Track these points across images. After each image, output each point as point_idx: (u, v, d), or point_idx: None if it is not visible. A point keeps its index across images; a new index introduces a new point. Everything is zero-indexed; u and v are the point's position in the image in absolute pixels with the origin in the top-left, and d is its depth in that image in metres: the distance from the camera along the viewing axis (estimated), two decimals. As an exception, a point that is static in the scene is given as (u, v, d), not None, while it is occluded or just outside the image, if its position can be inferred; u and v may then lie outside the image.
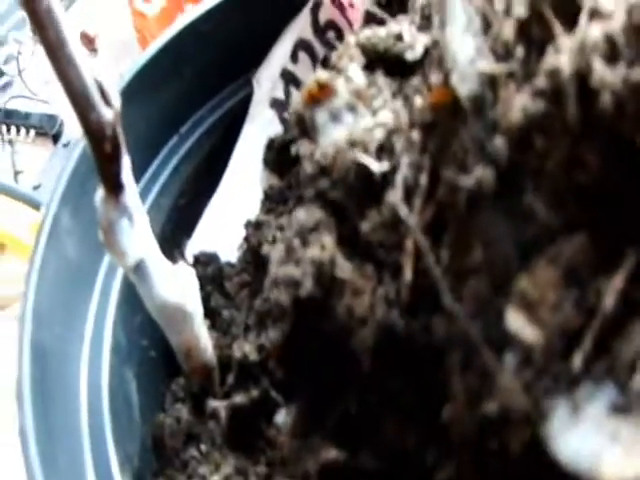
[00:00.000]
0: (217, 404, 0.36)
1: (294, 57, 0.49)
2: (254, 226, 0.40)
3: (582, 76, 0.21)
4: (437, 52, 0.23)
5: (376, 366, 0.25)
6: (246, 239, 0.42)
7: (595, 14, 0.22)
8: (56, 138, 0.87)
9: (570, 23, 0.23)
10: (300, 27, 0.49)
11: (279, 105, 0.48)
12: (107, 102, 0.27)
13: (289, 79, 0.48)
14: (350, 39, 0.34)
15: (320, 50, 0.49)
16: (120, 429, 0.34)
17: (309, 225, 0.26)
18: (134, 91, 0.41)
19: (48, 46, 0.23)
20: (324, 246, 0.25)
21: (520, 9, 0.24)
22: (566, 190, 0.21)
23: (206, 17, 0.45)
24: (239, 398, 0.34)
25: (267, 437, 0.33)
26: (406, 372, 0.24)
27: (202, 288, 0.41)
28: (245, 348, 0.35)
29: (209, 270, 0.42)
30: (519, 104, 0.22)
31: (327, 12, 0.48)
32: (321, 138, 0.28)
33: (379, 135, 0.26)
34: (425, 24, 0.34)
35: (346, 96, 0.29)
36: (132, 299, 0.37)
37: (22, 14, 0.98)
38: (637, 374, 0.18)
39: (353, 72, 0.30)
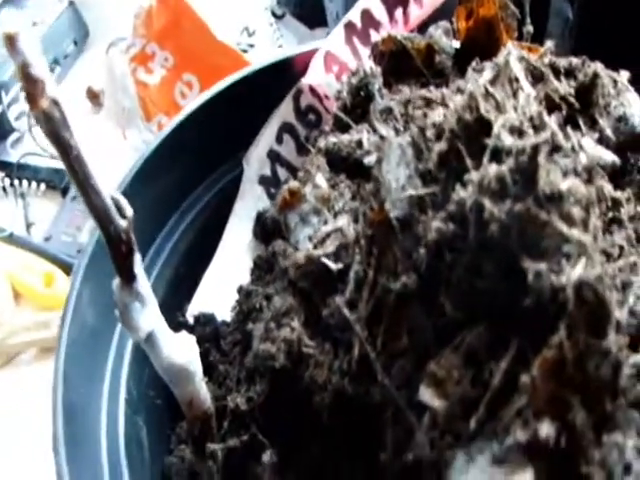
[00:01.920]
0: (215, 446, 0.42)
1: (279, 139, 0.56)
2: (245, 294, 0.47)
3: (479, 207, 0.28)
4: (374, 185, 0.31)
5: (332, 420, 0.32)
6: (238, 303, 0.49)
7: (496, 153, 0.30)
8: (65, 191, 0.92)
9: (480, 157, 0.30)
10: (284, 112, 0.56)
11: (267, 182, 0.55)
12: (122, 215, 0.34)
13: (275, 158, 0.56)
14: (321, 143, 0.42)
15: (302, 131, 0.56)
16: (135, 469, 0.41)
17: (282, 310, 0.34)
18: (142, 177, 0.49)
19: (78, 182, 0.30)
20: (293, 328, 0.33)
21: (441, 144, 0.31)
22: (468, 292, 0.28)
23: (201, 109, 0.53)
24: (232, 441, 0.41)
25: (255, 474, 0.40)
26: (354, 425, 0.32)
27: (201, 345, 0.48)
28: (237, 400, 0.42)
29: (207, 329, 0.49)
30: (435, 225, 0.29)
31: (307, 99, 0.55)
32: (292, 237, 0.35)
33: (336, 240, 0.33)
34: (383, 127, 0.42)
35: (313, 201, 0.36)
36: (141, 358, 0.45)
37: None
38: (509, 436, 0.25)
39: (319, 180, 0.37)
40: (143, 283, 0.37)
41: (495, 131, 0.30)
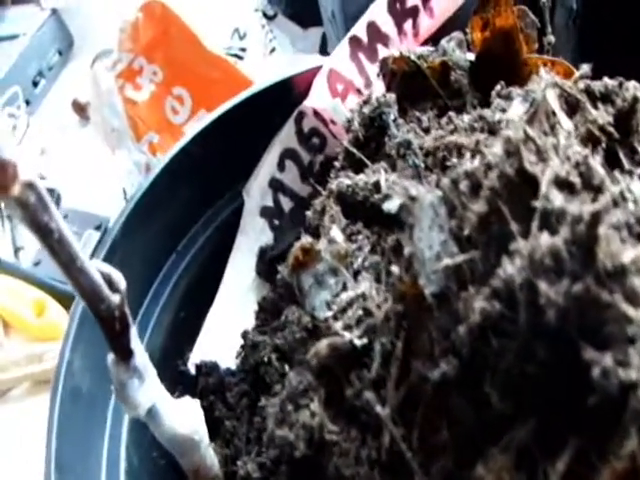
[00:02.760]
0: (225, 515, 0.39)
1: (281, 166, 0.52)
2: (251, 346, 0.43)
3: (531, 286, 0.24)
4: (406, 253, 0.27)
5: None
6: (244, 353, 0.45)
7: (546, 216, 0.25)
8: (54, 211, 0.89)
9: (527, 219, 0.26)
10: (285, 137, 0.52)
11: (269, 213, 0.51)
12: (113, 289, 0.30)
13: (277, 187, 0.52)
14: (332, 185, 0.38)
15: (305, 157, 0.52)
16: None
17: (300, 389, 0.30)
18: (135, 220, 0.45)
19: (62, 265, 0.26)
20: (314, 412, 0.29)
21: (480, 204, 0.27)
22: (517, 383, 0.24)
23: (195, 140, 0.49)
24: (244, 511, 0.38)
25: None
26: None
27: (206, 398, 0.45)
28: (248, 467, 0.38)
29: (211, 380, 0.45)
30: (478, 306, 0.25)
31: (310, 121, 0.51)
32: (307, 303, 0.31)
33: (359, 309, 0.29)
34: (401, 166, 0.38)
35: (329, 259, 0.32)
36: (141, 423, 0.41)
37: (15, 89, 1.00)
38: None
39: (335, 234, 0.33)
40: (140, 358, 0.33)
41: (543, 190, 0.26)
